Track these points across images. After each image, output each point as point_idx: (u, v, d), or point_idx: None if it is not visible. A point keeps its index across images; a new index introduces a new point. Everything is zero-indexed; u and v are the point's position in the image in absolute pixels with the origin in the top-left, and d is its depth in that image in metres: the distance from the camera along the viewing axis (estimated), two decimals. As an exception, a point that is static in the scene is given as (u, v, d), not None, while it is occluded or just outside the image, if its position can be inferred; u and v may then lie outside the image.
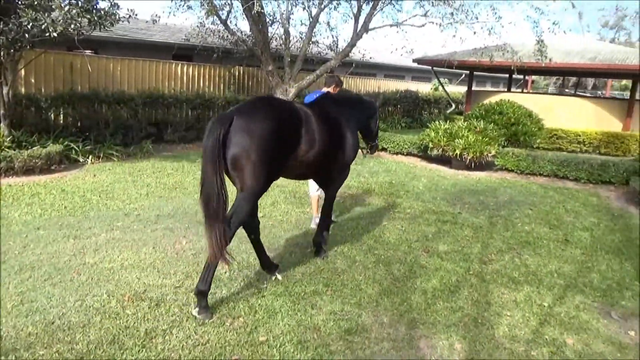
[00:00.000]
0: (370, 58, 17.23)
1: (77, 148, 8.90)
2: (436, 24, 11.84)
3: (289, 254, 4.95)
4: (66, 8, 7.31)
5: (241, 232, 3.83)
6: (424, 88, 22.73)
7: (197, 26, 13.22)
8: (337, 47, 13.90)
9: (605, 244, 5.92)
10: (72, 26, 7.46)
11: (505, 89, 20.96)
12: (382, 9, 12.30)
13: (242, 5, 11.12)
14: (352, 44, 12.00)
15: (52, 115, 9.77)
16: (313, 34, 12.66)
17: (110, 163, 8.97)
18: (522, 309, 4.05)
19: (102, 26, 8.05)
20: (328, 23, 21.34)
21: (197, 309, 3.58)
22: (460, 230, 6.07)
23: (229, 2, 12.33)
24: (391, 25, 12.48)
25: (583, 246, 5.78)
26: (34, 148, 7.92)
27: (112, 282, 4.07)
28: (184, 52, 14.21)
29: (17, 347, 3.07)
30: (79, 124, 10.11)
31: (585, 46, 16.15)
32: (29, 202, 6.27)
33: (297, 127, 3.91)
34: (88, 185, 7.28)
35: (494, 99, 14.51)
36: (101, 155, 9.16)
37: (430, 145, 10.71)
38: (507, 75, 20.86)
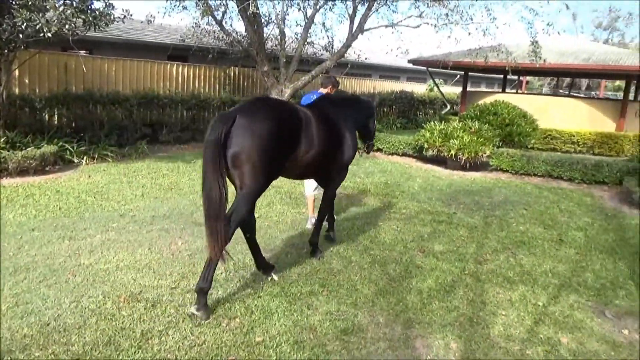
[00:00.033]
0: (366, 59, 17.24)
1: (71, 149, 8.87)
2: (431, 24, 11.89)
3: (285, 254, 4.96)
4: (61, 8, 7.30)
5: (237, 233, 3.83)
6: (419, 89, 22.79)
7: (193, 27, 13.15)
8: (332, 47, 13.90)
9: (599, 243, 5.96)
10: (67, 26, 7.44)
11: (500, 90, 21.08)
12: (377, 10, 12.33)
13: (238, 6, 11.12)
14: (347, 45, 12.03)
15: (47, 116, 9.72)
16: (308, 35, 12.69)
17: (105, 164, 8.94)
18: (517, 308, 4.08)
19: (96, 26, 8.03)
20: (323, 24, 21.34)
21: (196, 306, 3.57)
22: (456, 231, 6.10)
23: (224, 2, 12.29)
24: (386, 26, 12.52)
25: (577, 246, 5.81)
26: (28, 149, 7.88)
27: (107, 283, 4.06)
28: (179, 53, 14.16)
29: (12, 349, 3.06)
30: (73, 125, 10.06)
31: (579, 47, 16.27)
32: (24, 204, 6.24)
33: (297, 128, 3.94)
34: (83, 186, 7.26)
35: (488, 99, 14.57)
36: (96, 156, 9.12)
37: (426, 145, 10.74)
38: (501, 76, 20.97)
